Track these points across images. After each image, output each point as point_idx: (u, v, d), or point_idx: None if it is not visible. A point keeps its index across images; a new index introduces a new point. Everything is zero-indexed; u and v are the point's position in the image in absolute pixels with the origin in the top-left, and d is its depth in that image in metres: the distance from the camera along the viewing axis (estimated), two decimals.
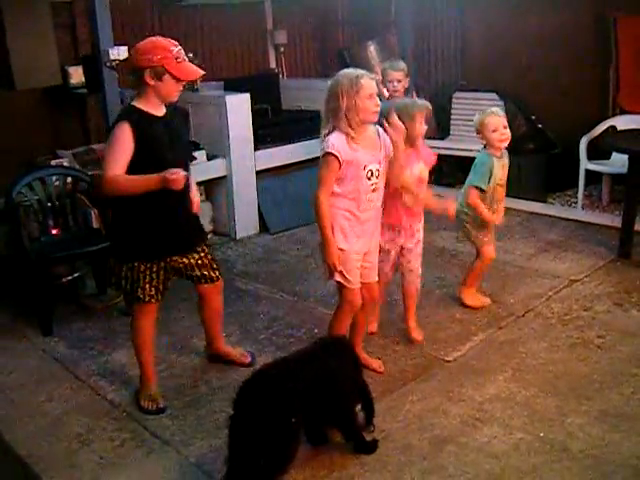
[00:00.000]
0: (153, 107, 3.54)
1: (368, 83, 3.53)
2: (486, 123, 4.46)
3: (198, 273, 3.85)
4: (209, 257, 3.90)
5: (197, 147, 6.19)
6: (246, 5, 7.43)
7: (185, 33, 7.00)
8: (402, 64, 5.63)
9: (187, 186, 3.63)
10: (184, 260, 3.77)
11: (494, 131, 4.45)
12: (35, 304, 4.82)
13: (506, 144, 4.51)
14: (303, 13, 7.99)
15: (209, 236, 6.41)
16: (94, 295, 5.31)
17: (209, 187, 6.51)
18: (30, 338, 4.72)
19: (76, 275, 5.28)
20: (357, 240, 3.71)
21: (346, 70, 3.65)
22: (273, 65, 7.85)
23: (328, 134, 3.60)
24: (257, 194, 6.52)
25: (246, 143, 6.37)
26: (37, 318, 4.79)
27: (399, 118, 3.81)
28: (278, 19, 7.82)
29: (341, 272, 3.71)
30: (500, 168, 4.53)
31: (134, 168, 3.43)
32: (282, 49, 7.79)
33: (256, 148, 6.44)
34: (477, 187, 4.49)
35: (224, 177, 6.38)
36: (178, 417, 3.75)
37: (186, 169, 3.67)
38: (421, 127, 4.05)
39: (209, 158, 6.29)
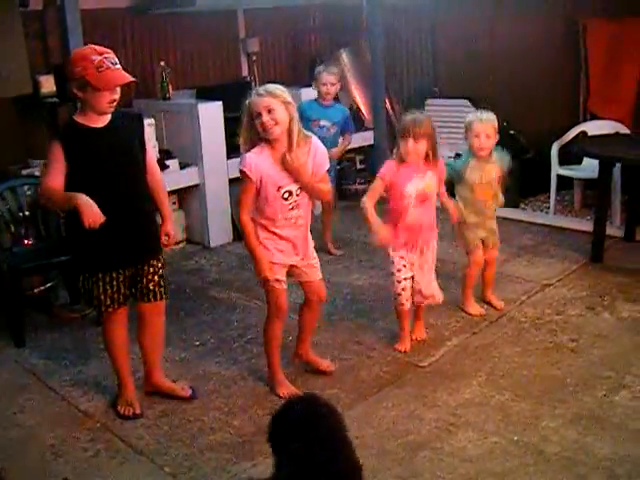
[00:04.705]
0: (90, 119, 3.45)
1: (255, 101, 3.54)
2: (471, 127, 4.53)
3: (145, 288, 3.73)
4: (160, 273, 3.77)
5: (169, 155, 6.18)
6: (218, 13, 7.41)
7: (157, 41, 6.98)
8: (335, 69, 5.87)
9: (137, 195, 3.61)
10: (141, 272, 3.70)
11: (475, 136, 4.51)
12: (7, 315, 4.77)
13: (485, 152, 4.55)
14: (275, 21, 7.98)
15: (182, 245, 6.46)
16: (67, 305, 5.27)
17: (182, 196, 6.50)
18: (2, 349, 4.66)
19: (48, 285, 5.24)
20: (277, 253, 3.75)
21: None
22: (245, 73, 7.83)
23: (248, 150, 3.64)
24: (230, 202, 6.51)
25: (219, 151, 6.35)
26: (9, 329, 4.75)
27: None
28: (250, 27, 7.81)
29: (275, 279, 3.76)
30: (478, 170, 4.57)
31: (73, 181, 3.41)
32: (254, 57, 7.78)
33: (229, 156, 6.41)
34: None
35: (197, 185, 6.37)
36: (152, 427, 3.72)
37: (136, 178, 3.61)
38: (412, 146, 4.01)
39: (182, 166, 6.27)
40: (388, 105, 7.92)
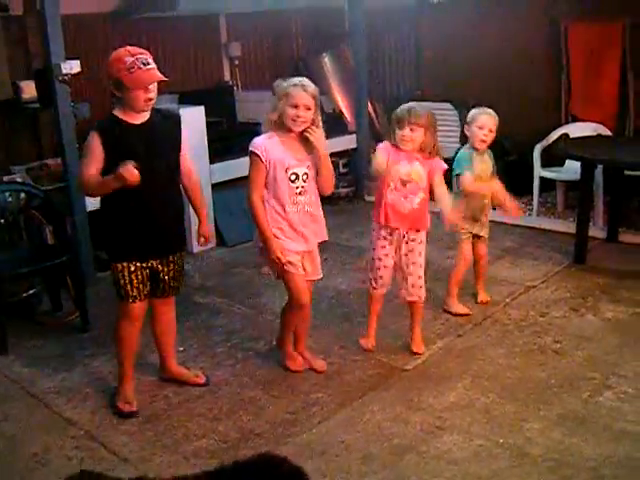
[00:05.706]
0: (129, 115, 3.59)
1: (296, 92, 3.67)
2: (476, 118, 4.62)
3: (161, 282, 3.84)
4: (180, 271, 3.93)
5: None
6: (200, 18, 7.41)
7: (139, 46, 6.87)
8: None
9: (168, 192, 3.73)
10: (161, 267, 3.79)
11: (480, 128, 4.60)
12: None
13: (484, 145, 4.65)
14: (257, 25, 7.98)
15: None
16: (49, 312, 5.23)
17: None
18: None
19: (31, 292, 5.20)
20: (290, 241, 3.83)
21: (294, 78, 3.80)
22: (228, 78, 7.83)
23: (267, 131, 3.80)
24: (213, 207, 6.48)
25: (201, 156, 6.31)
26: None
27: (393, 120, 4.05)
28: (232, 32, 7.82)
29: (288, 262, 3.81)
30: (480, 162, 4.65)
31: (107, 173, 3.49)
32: (236, 61, 7.78)
33: (211, 161, 6.40)
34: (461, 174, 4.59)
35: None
36: (136, 433, 3.70)
37: (168, 176, 3.74)
38: (408, 134, 3.98)
39: None
40: (371, 109, 7.93)
